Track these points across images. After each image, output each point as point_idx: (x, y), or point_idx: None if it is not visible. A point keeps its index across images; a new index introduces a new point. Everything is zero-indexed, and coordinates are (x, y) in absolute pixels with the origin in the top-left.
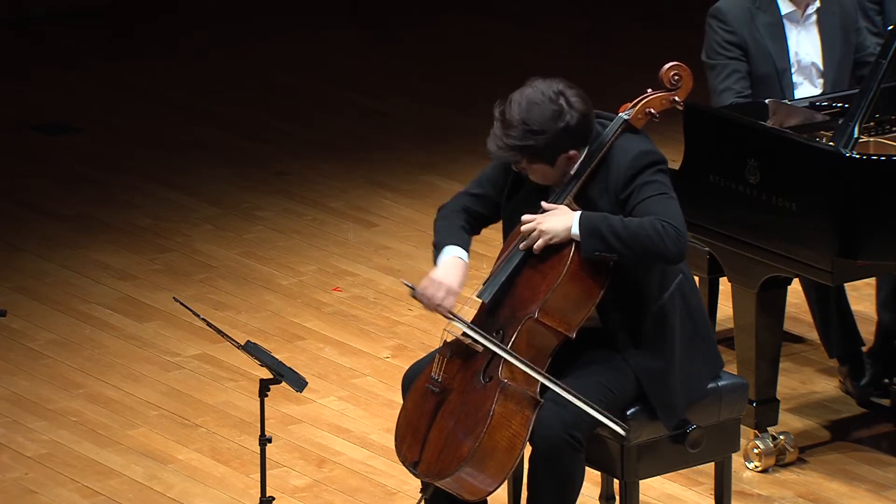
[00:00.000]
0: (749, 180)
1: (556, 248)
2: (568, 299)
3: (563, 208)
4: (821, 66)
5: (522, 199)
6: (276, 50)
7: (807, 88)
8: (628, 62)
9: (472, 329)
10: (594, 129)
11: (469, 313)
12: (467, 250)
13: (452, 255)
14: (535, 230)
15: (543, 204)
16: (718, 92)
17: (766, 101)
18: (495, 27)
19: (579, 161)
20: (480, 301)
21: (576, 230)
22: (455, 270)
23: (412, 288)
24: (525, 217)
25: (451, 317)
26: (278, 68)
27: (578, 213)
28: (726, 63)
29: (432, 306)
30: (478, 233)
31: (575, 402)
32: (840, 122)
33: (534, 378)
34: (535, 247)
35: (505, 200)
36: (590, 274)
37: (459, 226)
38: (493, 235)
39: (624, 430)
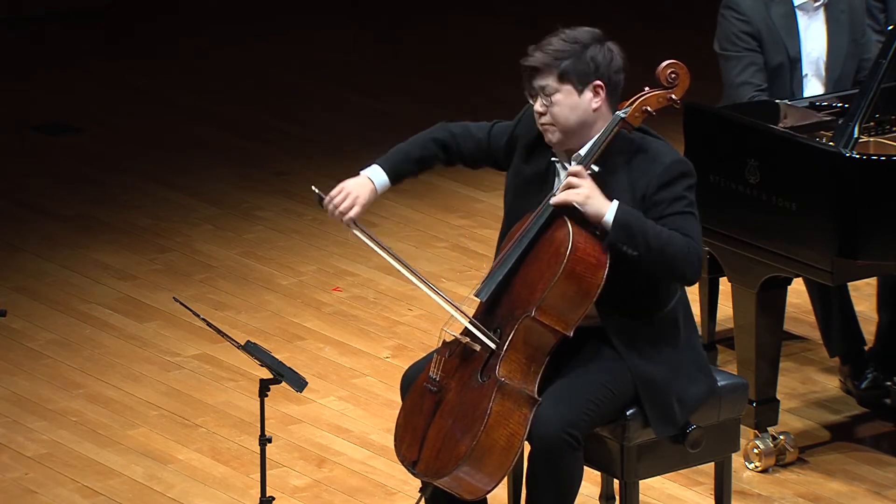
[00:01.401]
0: (749, 180)
1: (552, 246)
2: (565, 298)
3: (601, 195)
4: (825, 61)
5: (531, 175)
6: (276, 50)
7: (814, 82)
8: (630, 62)
9: (394, 257)
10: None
11: (467, 312)
12: (395, 180)
13: (366, 177)
14: (577, 191)
15: (570, 167)
16: (736, 85)
17: (777, 101)
18: (495, 27)
19: (590, 143)
20: (478, 300)
21: (609, 217)
22: (364, 187)
23: (321, 196)
24: (575, 169)
25: (354, 226)
26: (278, 68)
27: (617, 202)
28: (743, 55)
29: (336, 213)
30: (448, 165)
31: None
32: (840, 122)
33: (532, 376)
34: (562, 199)
35: (512, 169)
36: (587, 273)
37: (418, 156)
38: (492, 235)
39: (495, 343)
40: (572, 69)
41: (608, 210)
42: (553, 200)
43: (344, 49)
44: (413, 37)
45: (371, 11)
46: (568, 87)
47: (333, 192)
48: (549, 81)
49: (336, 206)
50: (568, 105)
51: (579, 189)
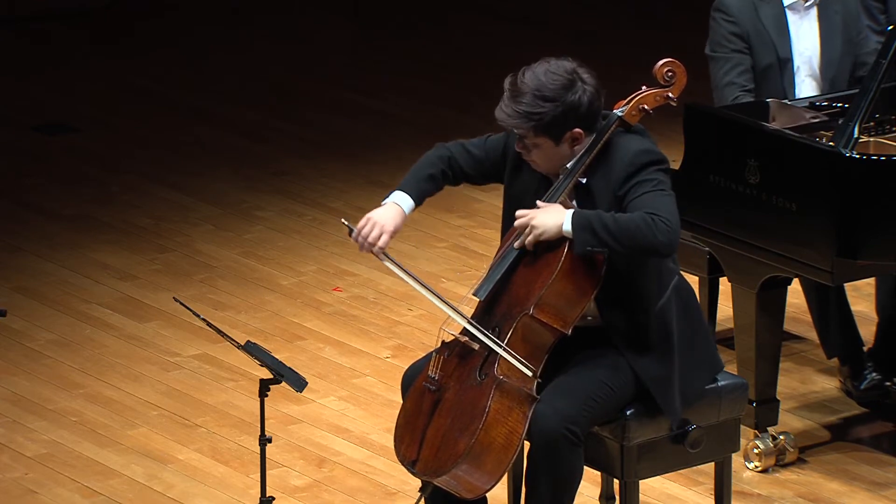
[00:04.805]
0: (749, 180)
1: (550, 245)
2: (563, 296)
3: (556, 206)
4: (818, 60)
5: (524, 185)
6: (276, 50)
7: (808, 82)
8: (628, 62)
9: (421, 284)
10: (600, 118)
11: (466, 311)
12: (419, 201)
13: (393, 202)
14: (527, 226)
15: (539, 203)
16: (721, 86)
17: (768, 100)
18: (495, 27)
19: (579, 154)
20: (477, 299)
21: (567, 227)
22: (392, 214)
23: (350, 228)
24: (519, 212)
25: (385, 257)
26: (278, 68)
27: (571, 210)
28: (729, 56)
29: (366, 245)
30: (454, 184)
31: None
32: (840, 122)
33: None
34: (527, 242)
35: (507, 180)
36: (584, 271)
37: (429, 174)
38: (492, 235)
39: (531, 371)
40: (547, 127)
41: (565, 220)
42: (516, 244)
43: (344, 49)
44: (413, 37)
45: (371, 12)
46: (545, 139)
47: (361, 224)
48: (526, 133)
49: (365, 238)
50: (547, 152)
51: (529, 234)
